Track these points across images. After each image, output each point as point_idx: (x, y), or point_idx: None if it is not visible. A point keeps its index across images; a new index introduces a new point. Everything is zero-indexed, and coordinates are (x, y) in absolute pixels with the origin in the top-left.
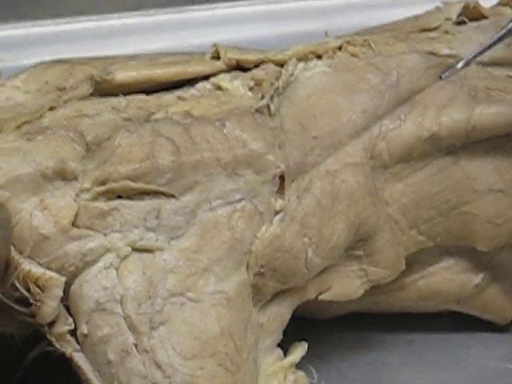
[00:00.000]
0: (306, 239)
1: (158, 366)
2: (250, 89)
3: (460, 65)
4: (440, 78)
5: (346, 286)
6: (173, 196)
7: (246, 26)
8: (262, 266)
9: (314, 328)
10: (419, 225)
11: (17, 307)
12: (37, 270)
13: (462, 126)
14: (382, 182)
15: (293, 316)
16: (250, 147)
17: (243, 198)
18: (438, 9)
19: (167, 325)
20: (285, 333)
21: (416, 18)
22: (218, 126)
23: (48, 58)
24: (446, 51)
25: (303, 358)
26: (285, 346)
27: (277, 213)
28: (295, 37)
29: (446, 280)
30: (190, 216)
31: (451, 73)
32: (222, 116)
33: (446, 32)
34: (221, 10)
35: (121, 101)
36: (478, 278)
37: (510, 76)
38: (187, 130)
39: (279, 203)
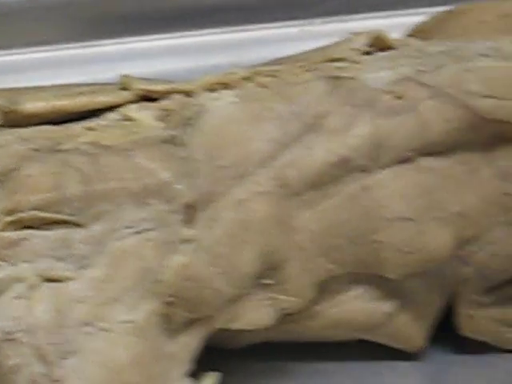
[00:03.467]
0: (215, 269)
1: None
2: (159, 119)
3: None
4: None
5: (256, 315)
6: (81, 225)
7: (154, 60)
8: (170, 296)
9: (226, 358)
10: (328, 252)
11: None
12: None
13: (368, 142)
14: (292, 209)
15: (204, 345)
16: (159, 177)
17: (152, 228)
18: (345, 39)
19: (77, 355)
20: (196, 363)
21: (323, 48)
22: (126, 156)
23: None
24: (352, 78)
25: None
26: (196, 376)
27: (186, 242)
28: (203, 70)
29: (356, 308)
30: (98, 245)
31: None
32: (131, 146)
33: (354, 62)
34: (128, 45)
35: (29, 131)
36: (386, 307)
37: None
38: (95, 160)
39: (188, 232)
